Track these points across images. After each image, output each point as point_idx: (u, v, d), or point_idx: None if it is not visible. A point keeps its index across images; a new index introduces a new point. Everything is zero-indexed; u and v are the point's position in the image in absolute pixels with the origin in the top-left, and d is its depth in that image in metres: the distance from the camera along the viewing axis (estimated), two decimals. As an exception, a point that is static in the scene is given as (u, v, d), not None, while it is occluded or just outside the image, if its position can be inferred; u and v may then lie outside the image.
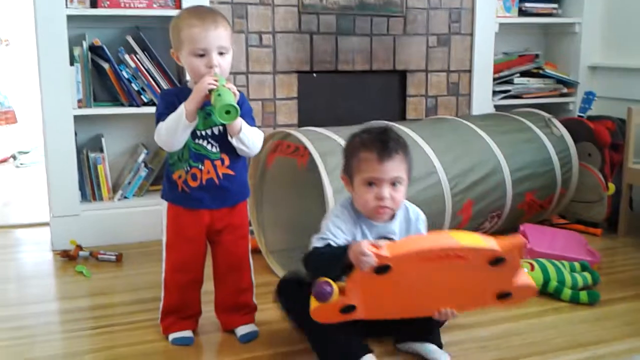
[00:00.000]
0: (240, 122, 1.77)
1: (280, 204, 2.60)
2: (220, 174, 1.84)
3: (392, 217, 1.78)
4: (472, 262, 1.56)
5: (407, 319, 1.75)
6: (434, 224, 2.38)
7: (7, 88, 5.45)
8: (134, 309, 2.18)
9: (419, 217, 1.84)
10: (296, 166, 2.49)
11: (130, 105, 2.86)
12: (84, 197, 2.91)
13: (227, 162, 1.85)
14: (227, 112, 1.66)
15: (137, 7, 2.79)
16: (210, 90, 1.70)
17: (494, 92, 3.45)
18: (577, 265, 2.38)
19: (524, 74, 3.53)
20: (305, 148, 2.33)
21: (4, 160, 5.21)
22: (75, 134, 2.80)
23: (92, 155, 2.89)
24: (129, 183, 2.96)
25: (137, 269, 2.58)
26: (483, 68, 3.39)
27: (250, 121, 1.85)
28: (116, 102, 2.92)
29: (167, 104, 1.80)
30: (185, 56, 1.78)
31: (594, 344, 1.90)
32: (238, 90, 1.77)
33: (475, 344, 1.91)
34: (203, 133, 1.83)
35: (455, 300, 1.69)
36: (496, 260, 1.57)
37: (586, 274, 2.33)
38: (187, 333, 1.94)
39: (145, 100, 2.87)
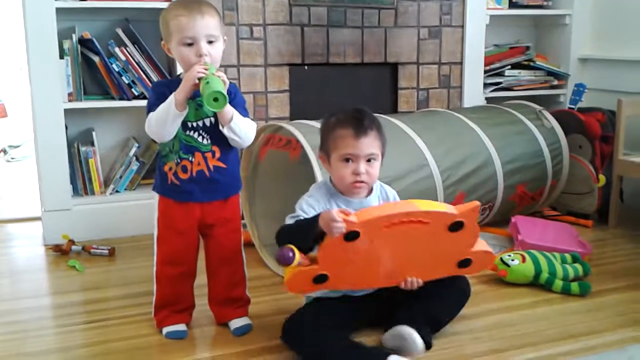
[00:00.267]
0: (231, 111, 1.76)
1: (273, 197, 2.60)
2: (211, 166, 1.84)
3: (369, 193, 1.86)
4: (433, 227, 1.68)
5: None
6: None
7: (-4, 82, 5.42)
8: (127, 303, 2.17)
9: (396, 197, 1.93)
10: (288, 159, 2.49)
11: (121, 98, 2.85)
12: (75, 191, 2.90)
13: (218, 154, 1.84)
14: (215, 100, 1.65)
15: (127, 0, 2.77)
16: (200, 79, 1.70)
17: (485, 85, 3.46)
18: (568, 256, 2.39)
19: (514, 66, 3.54)
20: (297, 141, 2.33)
21: (-6, 154, 5.18)
22: (66, 127, 2.79)
23: (83, 149, 2.87)
24: (121, 177, 2.95)
25: (129, 263, 2.58)
26: (474, 60, 3.39)
27: (243, 112, 1.84)
28: (107, 96, 2.90)
29: (158, 95, 1.79)
30: (175, 47, 1.78)
31: (585, 335, 1.92)
32: (231, 81, 1.77)
33: (469, 335, 1.92)
34: (194, 124, 1.82)
35: (419, 268, 1.80)
36: (455, 225, 1.69)
37: (577, 265, 2.34)
38: (181, 326, 1.94)
39: (136, 93, 2.86)
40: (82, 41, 2.82)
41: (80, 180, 2.90)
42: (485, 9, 3.38)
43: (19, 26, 3.00)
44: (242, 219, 1.99)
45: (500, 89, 3.50)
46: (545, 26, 3.71)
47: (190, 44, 1.75)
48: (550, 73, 3.59)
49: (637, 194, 3.26)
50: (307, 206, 1.80)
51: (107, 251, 2.65)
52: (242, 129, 1.80)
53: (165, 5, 2.71)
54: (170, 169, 1.85)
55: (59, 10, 2.67)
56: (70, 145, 2.85)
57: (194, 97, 1.76)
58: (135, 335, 1.94)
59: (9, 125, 5.39)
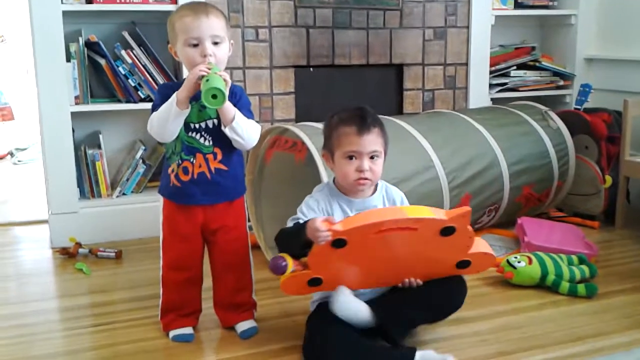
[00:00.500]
0: (233, 110, 1.76)
1: (279, 199, 2.60)
2: (212, 168, 1.84)
3: (372, 193, 1.86)
4: (423, 233, 1.66)
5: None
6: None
7: (4, 84, 5.44)
8: (134, 306, 2.18)
9: (403, 198, 1.91)
10: (294, 161, 2.49)
11: (128, 101, 2.86)
12: (82, 194, 2.91)
13: (219, 156, 1.84)
14: (214, 97, 1.65)
15: (133, 2, 2.78)
16: (202, 77, 1.70)
17: (491, 85, 3.45)
18: (574, 258, 2.39)
19: (520, 66, 3.53)
20: (303, 143, 2.33)
21: (2, 157, 5.19)
22: (73, 130, 2.80)
23: (90, 151, 2.88)
24: (127, 179, 2.96)
25: (136, 265, 2.59)
26: (479, 61, 3.39)
27: (248, 114, 1.84)
28: (113, 99, 2.92)
29: (163, 96, 1.80)
30: (181, 48, 1.78)
31: (592, 337, 1.91)
32: (236, 83, 1.78)
33: (476, 338, 1.92)
34: (197, 126, 1.82)
35: (416, 270, 1.80)
36: (446, 230, 1.66)
37: (584, 266, 2.34)
38: (188, 330, 1.94)
39: (142, 96, 2.86)
40: (89, 44, 2.83)
41: (87, 183, 2.91)
42: (491, 10, 3.38)
43: (25, 29, 3.02)
44: (248, 221, 1.99)
45: (505, 90, 3.49)
46: (551, 26, 3.70)
47: (195, 45, 1.76)
48: (556, 73, 3.58)
49: (644, 194, 3.26)
50: (307, 208, 1.82)
51: (114, 254, 2.66)
52: (244, 130, 1.79)
53: (171, 7, 2.74)
54: (173, 170, 1.85)
55: (65, 14, 2.68)
56: (77, 148, 2.86)
57: (197, 98, 1.75)
58: (143, 338, 1.95)
59: (16, 128, 5.42)
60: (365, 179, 1.77)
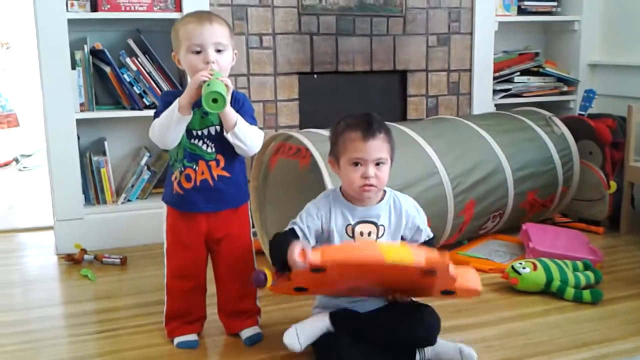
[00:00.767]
0: (235, 116, 1.76)
1: (283, 206, 2.60)
2: (215, 176, 1.84)
3: (378, 201, 1.84)
4: (403, 272, 1.62)
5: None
6: (436, 225, 2.39)
7: (9, 91, 5.46)
8: (139, 312, 2.18)
9: (416, 206, 1.89)
10: (298, 167, 2.50)
11: (132, 108, 2.87)
12: (87, 201, 2.92)
13: (222, 163, 1.84)
14: (215, 101, 1.65)
15: (138, 10, 2.79)
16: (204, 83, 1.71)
17: (495, 91, 3.46)
18: (579, 264, 2.39)
19: (524, 72, 3.54)
20: (307, 149, 2.34)
21: (7, 164, 5.21)
22: (78, 137, 2.81)
23: (95, 158, 2.89)
24: (132, 186, 2.96)
25: (141, 272, 2.59)
26: (483, 67, 3.39)
27: (251, 120, 1.85)
28: (118, 106, 2.93)
29: (166, 103, 1.80)
30: (184, 55, 1.79)
31: (597, 343, 1.91)
32: (240, 90, 1.78)
33: (481, 344, 1.91)
34: (199, 133, 1.82)
35: (401, 291, 1.81)
36: (427, 272, 1.61)
37: (589, 272, 2.34)
38: (192, 336, 1.94)
39: (147, 103, 2.88)
40: (94, 52, 2.84)
41: (92, 190, 2.92)
42: (494, 16, 3.38)
43: (31, 37, 3.03)
44: (252, 227, 1.99)
45: (509, 96, 3.49)
46: (555, 32, 3.71)
47: (198, 52, 1.77)
48: (559, 79, 3.58)
49: (648, 200, 3.25)
50: (306, 214, 1.82)
51: (119, 260, 2.66)
52: (246, 136, 1.79)
53: (176, 15, 2.76)
54: (175, 178, 1.86)
55: (70, 22, 2.70)
56: (82, 155, 2.87)
57: (200, 104, 1.74)
58: (147, 344, 1.95)
59: (21, 135, 5.44)
60: (371, 185, 1.76)
